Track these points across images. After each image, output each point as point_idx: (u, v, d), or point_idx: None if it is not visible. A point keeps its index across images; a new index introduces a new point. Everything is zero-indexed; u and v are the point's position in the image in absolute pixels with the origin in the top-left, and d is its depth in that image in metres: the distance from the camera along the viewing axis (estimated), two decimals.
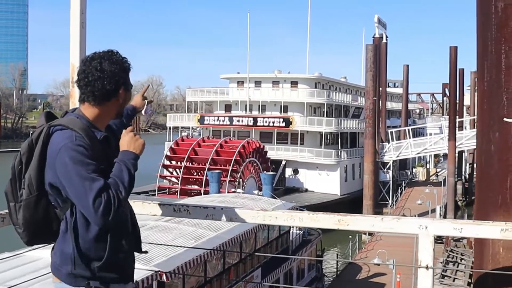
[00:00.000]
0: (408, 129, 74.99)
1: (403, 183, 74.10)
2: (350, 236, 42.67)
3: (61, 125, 3.61)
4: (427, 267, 3.92)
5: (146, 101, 4.53)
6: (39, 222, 3.71)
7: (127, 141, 3.66)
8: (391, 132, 72.21)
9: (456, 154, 67.02)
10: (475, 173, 5.64)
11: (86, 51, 4.91)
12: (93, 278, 3.70)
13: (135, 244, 4.01)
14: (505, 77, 4.27)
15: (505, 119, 4.18)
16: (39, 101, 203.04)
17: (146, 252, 4.17)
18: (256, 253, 25.63)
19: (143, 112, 4.53)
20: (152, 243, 16.53)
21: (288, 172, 66.88)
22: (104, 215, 3.37)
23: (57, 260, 3.78)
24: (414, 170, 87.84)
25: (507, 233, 3.79)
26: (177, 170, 55.44)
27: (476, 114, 4.98)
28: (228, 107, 73.98)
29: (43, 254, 15.60)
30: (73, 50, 4.86)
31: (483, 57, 4.41)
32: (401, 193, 67.98)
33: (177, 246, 18.93)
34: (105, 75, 3.63)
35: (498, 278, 4.04)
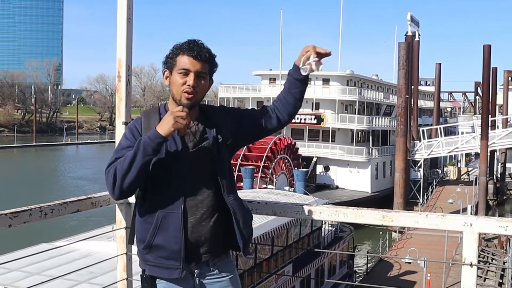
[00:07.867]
0: (440, 128, 74.45)
1: (434, 181, 73.37)
2: (381, 232, 42.51)
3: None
4: (471, 265, 3.89)
5: (308, 54, 3.58)
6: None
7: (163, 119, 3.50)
8: (423, 131, 71.78)
9: (488, 153, 66.32)
10: None
11: (132, 46, 4.88)
12: (143, 260, 3.67)
13: (241, 240, 3.74)
14: None
15: None
16: (73, 96, 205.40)
17: (251, 256, 3.84)
18: (288, 247, 25.68)
19: (306, 70, 3.62)
20: None
21: (319, 169, 66.79)
22: (109, 186, 3.49)
23: None
24: (445, 168, 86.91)
25: None
26: None
27: None
28: (260, 104, 73.79)
29: (78, 246, 15.81)
30: (120, 45, 4.77)
31: None
32: (431, 192, 67.34)
33: None
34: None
35: None
